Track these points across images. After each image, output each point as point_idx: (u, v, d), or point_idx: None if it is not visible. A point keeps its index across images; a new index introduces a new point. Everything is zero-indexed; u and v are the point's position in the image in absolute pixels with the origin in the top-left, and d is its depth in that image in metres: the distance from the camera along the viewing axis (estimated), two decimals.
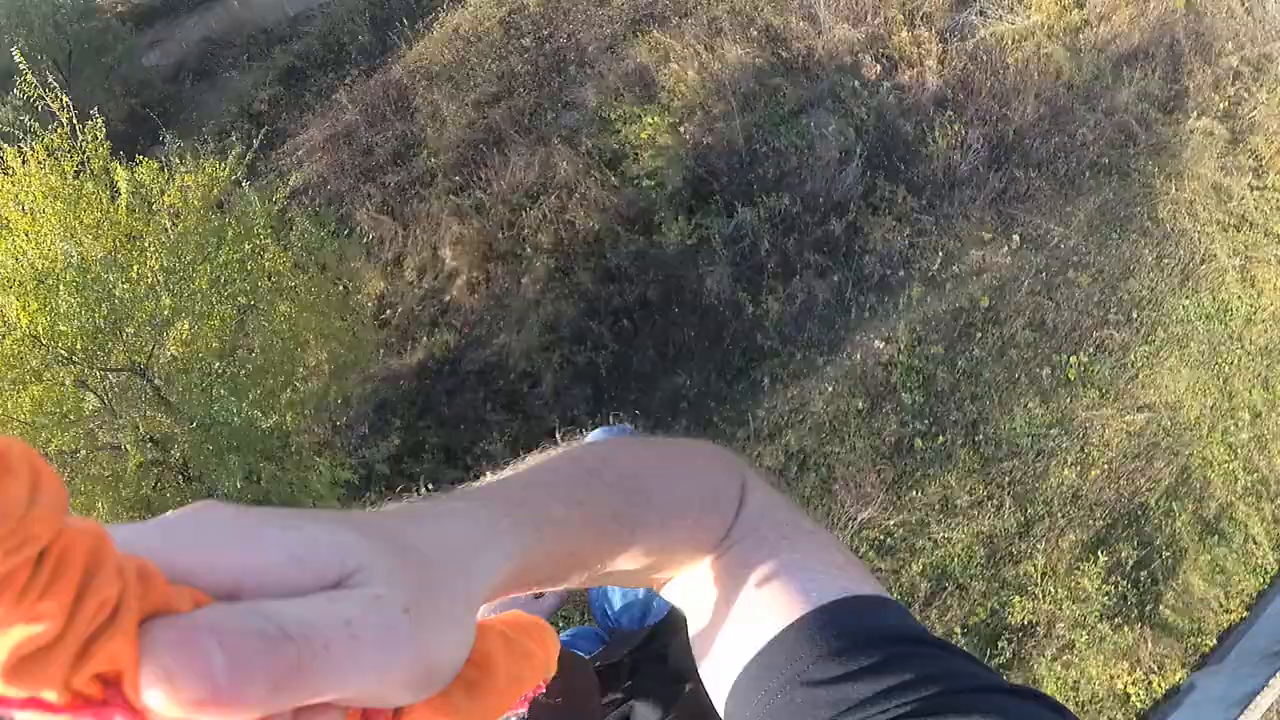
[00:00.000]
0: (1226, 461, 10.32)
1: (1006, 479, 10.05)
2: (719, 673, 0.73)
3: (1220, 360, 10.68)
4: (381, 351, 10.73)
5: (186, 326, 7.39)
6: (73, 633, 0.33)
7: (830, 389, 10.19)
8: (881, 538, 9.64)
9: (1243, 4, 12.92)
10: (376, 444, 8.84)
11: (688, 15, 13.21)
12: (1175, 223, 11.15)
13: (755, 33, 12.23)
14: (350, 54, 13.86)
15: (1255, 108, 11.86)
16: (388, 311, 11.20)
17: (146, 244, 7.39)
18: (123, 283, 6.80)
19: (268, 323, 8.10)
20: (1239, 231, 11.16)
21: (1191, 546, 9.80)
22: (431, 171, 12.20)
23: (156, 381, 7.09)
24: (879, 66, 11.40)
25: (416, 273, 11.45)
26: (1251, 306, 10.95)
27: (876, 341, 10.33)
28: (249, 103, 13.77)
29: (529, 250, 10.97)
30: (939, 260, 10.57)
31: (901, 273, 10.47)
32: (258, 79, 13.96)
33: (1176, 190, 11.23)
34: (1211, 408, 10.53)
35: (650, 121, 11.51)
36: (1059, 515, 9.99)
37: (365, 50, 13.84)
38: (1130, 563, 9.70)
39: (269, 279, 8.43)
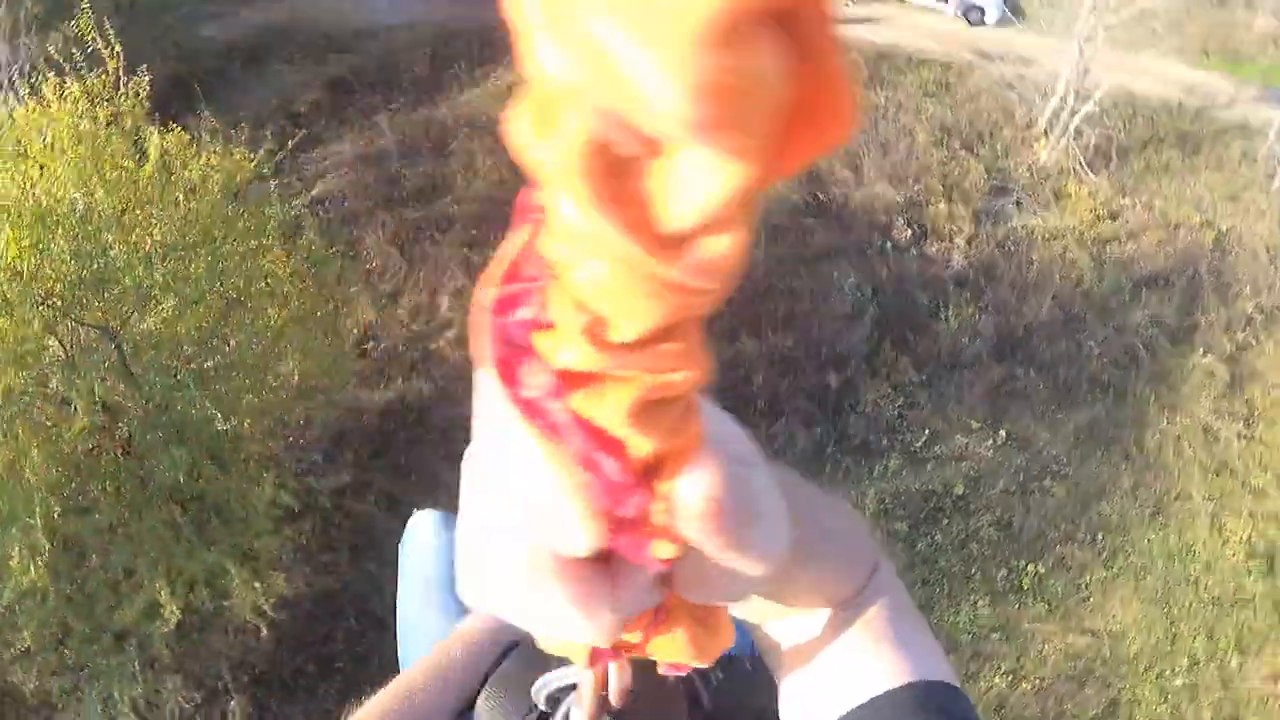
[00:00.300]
0: (1156, 704, 10.16)
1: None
2: (812, 714, 0.77)
3: (1172, 601, 10.60)
4: (354, 381, 10.49)
5: (171, 305, 7.17)
6: (687, 404, 0.39)
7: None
8: None
9: (1268, 251, 13.17)
10: (325, 474, 8.57)
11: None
12: (1159, 455, 11.17)
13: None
14: (402, 82, 13.88)
15: (1259, 356, 12.01)
16: (370, 343, 10.99)
17: (156, 212, 7.22)
18: (121, 245, 6.61)
19: (252, 322, 7.89)
20: (1219, 477, 11.19)
21: None
22: (451, 218, 12.13)
23: (125, 349, 6.82)
24: (909, 231, 11.49)
25: (410, 313, 11.28)
26: (1214, 554, 10.91)
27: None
28: (291, 100, 13.71)
29: None
30: (924, 438, 10.51)
31: (885, 441, 10.40)
32: (306, 79, 13.92)
33: (1168, 423, 11.29)
34: (1153, 646, 10.41)
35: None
36: None
37: (418, 82, 13.87)
38: None
39: (265, 281, 8.25)
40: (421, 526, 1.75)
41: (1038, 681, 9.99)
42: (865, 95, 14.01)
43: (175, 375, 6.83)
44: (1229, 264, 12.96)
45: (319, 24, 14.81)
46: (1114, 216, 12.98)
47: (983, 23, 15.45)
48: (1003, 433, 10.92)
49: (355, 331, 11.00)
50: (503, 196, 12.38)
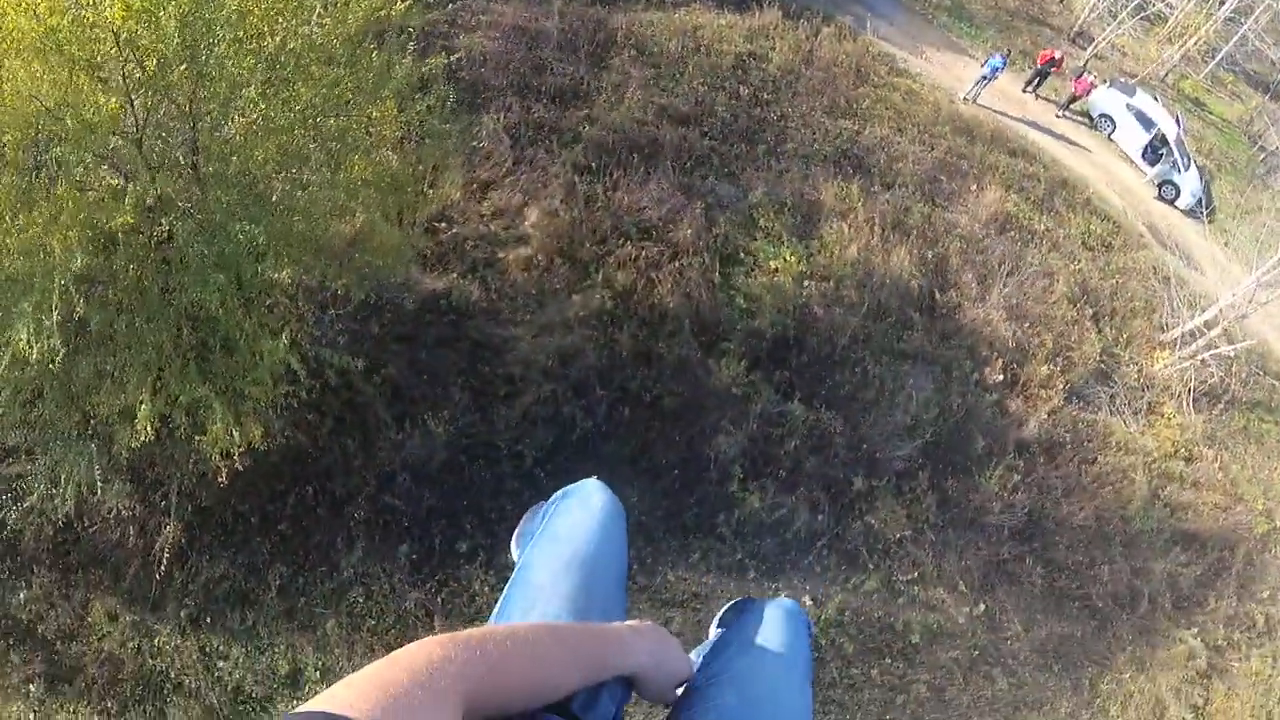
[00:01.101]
0: None
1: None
2: None
3: None
4: (410, 258, 9.97)
5: (260, 119, 6.53)
6: None
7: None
8: None
9: None
10: (342, 350, 8.09)
11: (890, 187, 12.60)
12: (1106, 701, 10.89)
13: (931, 255, 11.65)
14: None
15: (1241, 661, 11.63)
16: (443, 224, 10.41)
17: (281, 22, 6.51)
18: (231, 41, 5.95)
19: (334, 170, 7.27)
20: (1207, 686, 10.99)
21: None
22: (576, 134, 11.44)
23: (200, 147, 6.23)
24: (1001, 378, 10.89)
25: (494, 212, 10.69)
26: None
27: (806, 597, 9.87)
28: None
29: (599, 276, 10.28)
30: (909, 574, 10.14)
31: (874, 559, 10.03)
32: None
33: (1129, 678, 10.97)
34: None
35: (787, 258, 10.87)
36: None
37: None
38: None
39: (367, 131, 7.60)
40: (598, 499, 1.69)
41: None
42: (1031, 216, 13.23)
43: (242, 197, 6.25)
44: (1264, 560, 12.48)
45: None
46: (1189, 460, 12.41)
47: (1173, 204, 14.56)
48: (981, 607, 10.57)
49: (434, 206, 10.42)
50: (636, 138, 11.66)
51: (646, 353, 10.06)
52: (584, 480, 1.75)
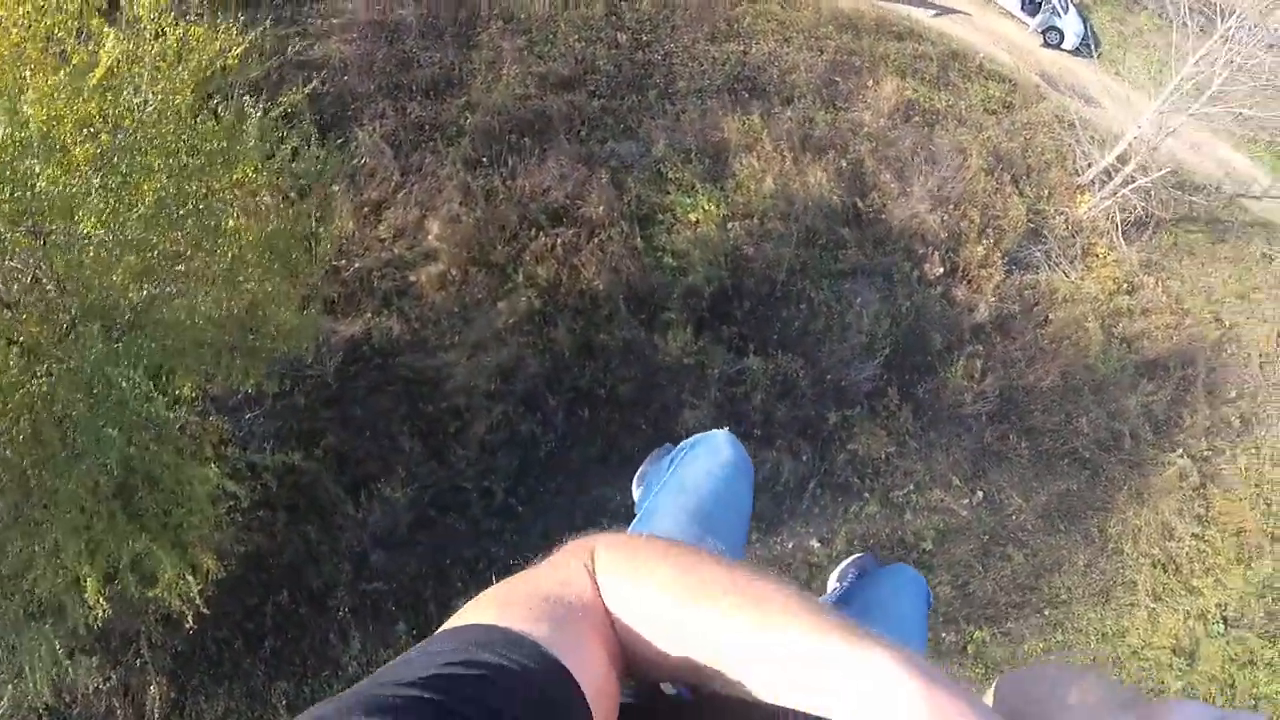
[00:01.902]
0: None
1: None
2: None
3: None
4: (318, 306, 9.10)
5: (105, 235, 5.60)
6: None
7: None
8: None
9: (1260, 358, 12.82)
10: (269, 433, 7.32)
11: (789, 103, 11.93)
12: (1118, 542, 10.90)
13: (845, 164, 11.11)
14: None
15: (1229, 463, 11.77)
16: (343, 262, 9.51)
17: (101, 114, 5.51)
18: (51, 168, 5.03)
19: (206, 264, 6.37)
20: (1165, 572, 11.04)
21: None
22: (460, 127, 10.47)
23: (55, 269, 5.31)
24: (941, 269, 10.52)
25: (393, 232, 9.77)
26: (1143, 642, 10.85)
27: (813, 540, 9.57)
28: None
29: (520, 276, 9.50)
30: (904, 486, 9.90)
31: (867, 482, 9.72)
32: None
33: (1133, 513, 10.97)
34: None
35: (705, 205, 10.23)
36: None
37: None
38: None
39: (232, 205, 6.66)
40: (726, 451, 1.70)
41: None
42: (931, 97, 12.74)
43: (108, 328, 5.38)
44: (1224, 363, 12.53)
45: None
46: (1132, 291, 12.30)
47: (1059, 47, 14.17)
48: (980, 494, 10.40)
49: (327, 247, 9.49)
50: (522, 115, 10.77)
51: (588, 344, 9.40)
52: (713, 430, 1.79)
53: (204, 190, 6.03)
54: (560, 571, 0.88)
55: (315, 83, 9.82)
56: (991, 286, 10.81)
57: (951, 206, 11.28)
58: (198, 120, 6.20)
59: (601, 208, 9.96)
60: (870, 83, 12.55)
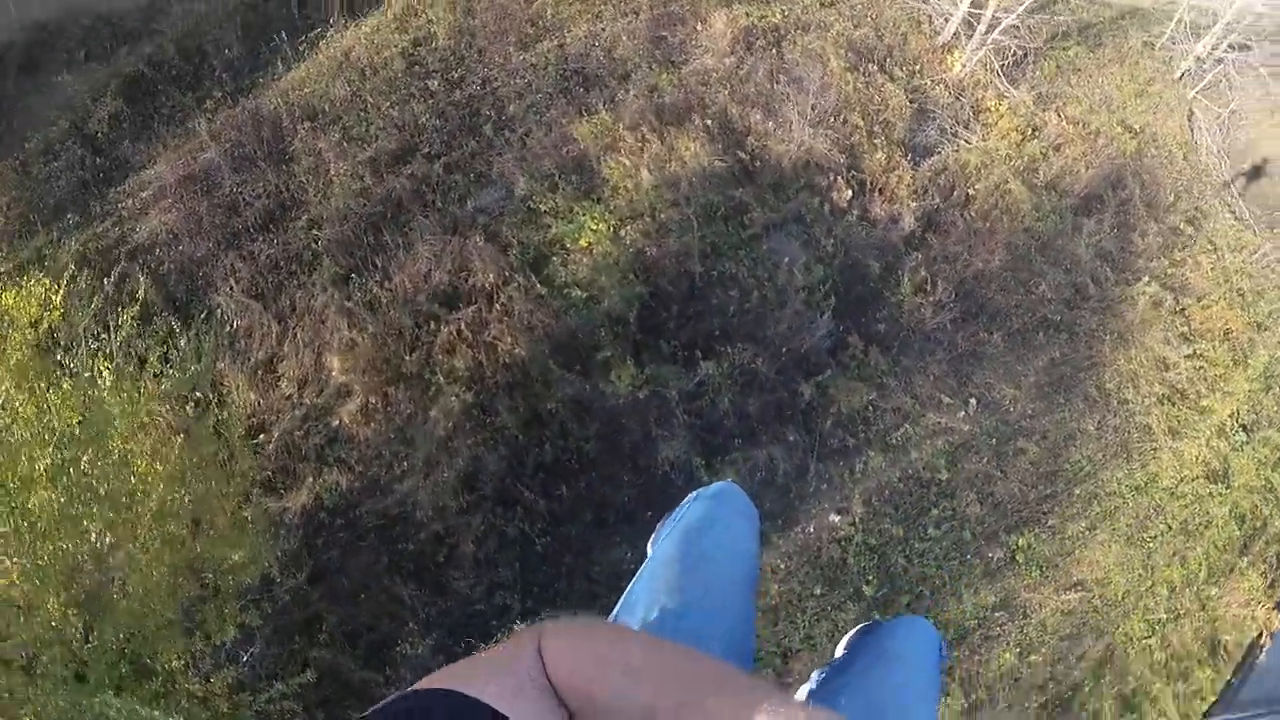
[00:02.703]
0: (1145, 638, 11.25)
1: (951, 665, 10.48)
2: None
3: (1145, 535, 11.60)
4: (256, 491, 9.48)
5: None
6: None
7: (783, 567, 10.11)
8: None
9: (1182, 149, 14.00)
10: (272, 662, 7.73)
11: (626, 79, 12.52)
12: (1118, 392, 11.92)
13: (710, 122, 11.77)
14: (214, 68, 12.01)
15: (1194, 271, 12.89)
16: (261, 436, 9.88)
17: None
18: None
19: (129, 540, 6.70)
20: (1173, 405, 12.13)
21: None
22: (314, 249, 10.82)
23: None
24: (849, 192, 11.32)
25: (296, 384, 10.15)
26: (1175, 479, 11.96)
27: (832, 514, 10.35)
28: (83, 118, 11.62)
29: (440, 377, 9.98)
30: (898, 424, 10.73)
31: (860, 437, 10.51)
32: (96, 87, 11.80)
33: (1123, 360, 12.00)
34: (1135, 582, 11.42)
35: (591, 225, 10.81)
36: (1000, 700, 10.57)
37: (232, 66, 12.04)
38: None
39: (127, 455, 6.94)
40: (729, 500, 1.84)
41: (1045, 652, 10.83)
42: (765, 14, 13.45)
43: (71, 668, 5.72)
44: (1150, 169, 13.57)
45: (97, 8, 12.49)
46: (1036, 131, 13.27)
47: None
48: (973, 401, 11.29)
49: (238, 425, 9.84)
50: (369, 210, 11.16)
51: (536, 416, 9.92)
52: (719, 483, 1.92)
53: (93, 458, 6.35)
54: (507, 647, 1.12)
55: (146, 281, 10.19)
56: (905, 188, 11.63)
57: (832, 120, 12.03)
58: (49, 393, 6.44)
59: (490, 272, 10.46)
60: (698, 25, 13.17)
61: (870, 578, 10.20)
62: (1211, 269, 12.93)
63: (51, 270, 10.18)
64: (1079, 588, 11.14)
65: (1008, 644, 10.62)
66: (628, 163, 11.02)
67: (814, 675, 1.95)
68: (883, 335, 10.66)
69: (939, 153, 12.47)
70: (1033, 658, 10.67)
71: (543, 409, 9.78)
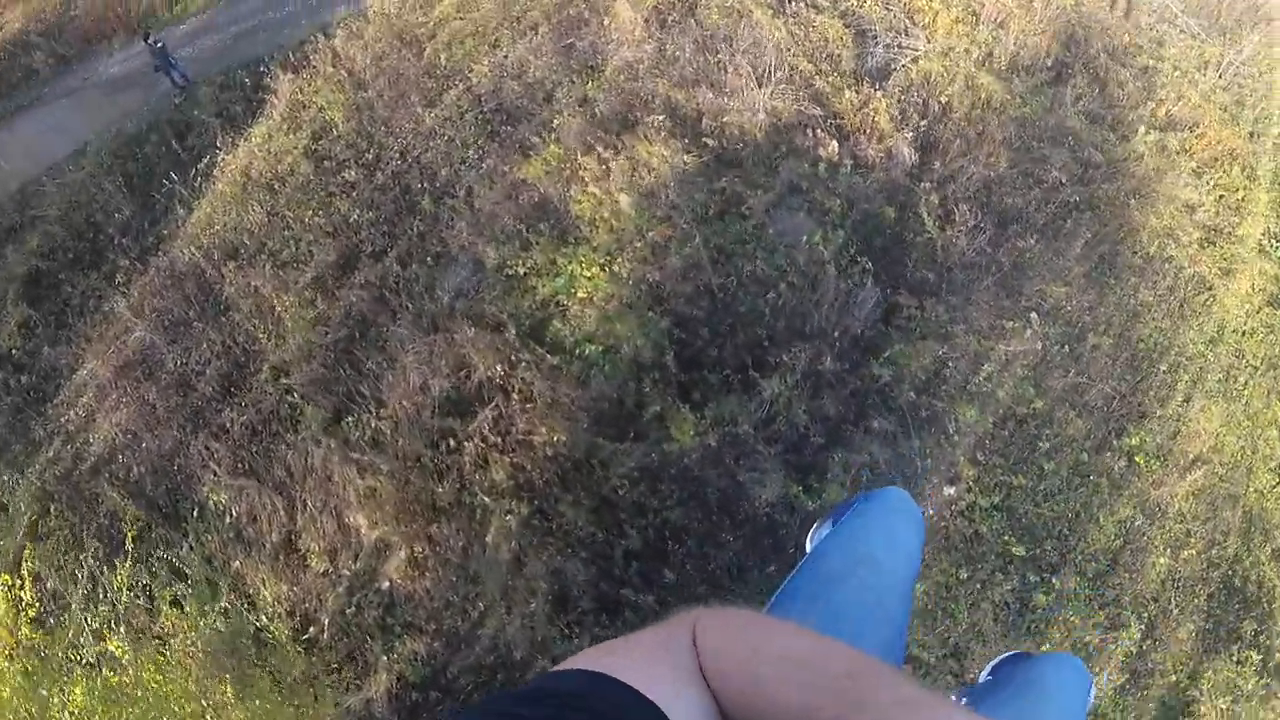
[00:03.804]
0: (1275, 487, 9.81)
1: (1116, 592, 8.88)
2: None
3: (1236, 386, 10.05)
4: (329, 692, 7.43)
5: None
6: None
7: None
8: None
9: None
10: None
11: (550, 100, 10.42)
12: (1161, 253, 10.29)
13: (660, 118, 9.76)
14: (111, 237, 9.68)
15: (1177, 105, 11.31)
16: (311, 629, 7.77)
17: None
18: None
19: None
20: (1213, 245, 10.55)
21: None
22: (289, 401, 8.64)
23: None
24: (834, 142, 9.42)
25: (326, 557, 8.03)
26: (1242, 317, 10.44)
27: (945, 488, 8.59)
28: None
29: (482, 497, 7.92)
30: (974, 369, 8.98)
31: (944, 397, 8.72)
32: None
33: (1154, 219, 10.33)
34: (1245, 436, 9.89)
35: (581, 272, 8.79)
36: (1171, 607, 9.00)
37: (130, 228, 9.72)
38: (1250, 633, 8.95)
39: None
40: (896, 505, 1.70)
41: (1195, 547, 9.28)
42: None
43: None
44: (1094, 16, 11.80)
45: None
46: (976, 16, 11.50)
47: None
48: (1033, 315, 9.52)
49: (282, 621, 7.75)
50: (333, 336, 9.00)
51: (605, 503, 7.92)
52: (886, 486, 1.83)
53: None
54: (661, 631, 0.98)
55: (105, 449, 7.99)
56: (885, 119, 9.75)
57: (778, 73, 10.10)
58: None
59: (491, 362, 8.41)
60: (603, 20, 11.14)
61: (1008, 538, 8.50)
62: (1193, 96, 11.33)
63: (14, 526, 7.97)
64: (1199, 464, 9.57)
65: (1157, 549, 9.04)
66: (596, 191, 9.00)
67: (961, 696, 1.84)
68: (930, 283, 8.88)
69: (895, 70, 10.65)
70: (1185, 553, 9.10)
71: (609, 493, 7.84)
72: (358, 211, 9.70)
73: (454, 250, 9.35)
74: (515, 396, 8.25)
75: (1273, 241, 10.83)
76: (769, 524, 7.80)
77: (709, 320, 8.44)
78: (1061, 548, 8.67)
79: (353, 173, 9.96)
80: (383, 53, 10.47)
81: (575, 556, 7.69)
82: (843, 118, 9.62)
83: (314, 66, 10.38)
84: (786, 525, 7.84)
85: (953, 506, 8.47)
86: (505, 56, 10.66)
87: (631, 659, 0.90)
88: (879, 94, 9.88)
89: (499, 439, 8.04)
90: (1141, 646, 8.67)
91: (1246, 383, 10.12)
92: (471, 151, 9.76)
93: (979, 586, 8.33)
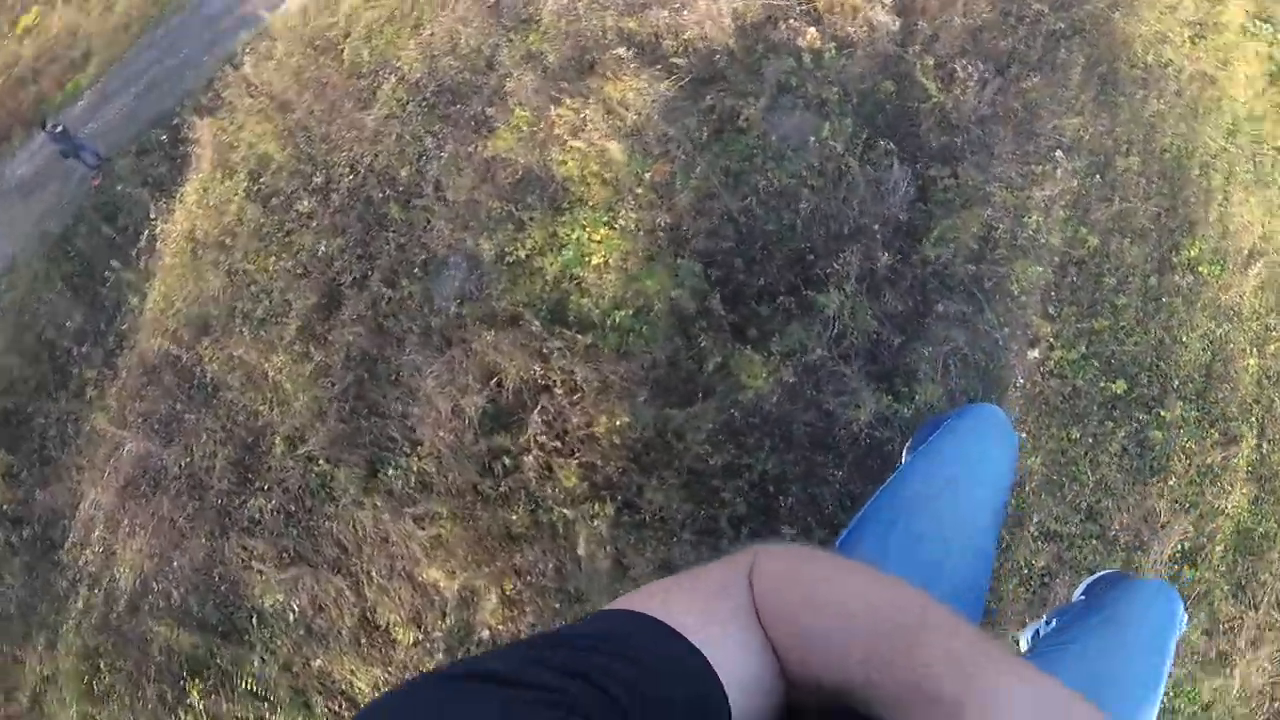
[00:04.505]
0: None
1: (1221, 408, 7.97)
2: None
3: (1264, 171, 9.14)
4: None
5: None
6: None
7: (1024, 435, 7.40)
8: (1182, 544, 7.20)
9: None
10: None
11: (492, 67, 9.00)
12: (1159, 58, 9.24)
13: (618, 52, 8.39)
14: (68, 351, 8.15)
15: None
16: None
17: None
18: None
19: None
20: (1205, 38, 9.49)
21: None
22: (316, 469, 7.28)
23: None
24: (811, 28, 8.15)
25: (411, 625, 6.80)
26: (1249, 100, 9.48)
27: (1029, 352, 7.58)
28: None
29: (559, 509, 6.73)
30: (1020, 223, 7.92)
31: (1002, 260, 7.66)
32: None
33: (1142, 25, 9.24)
34: None
35: (589, 236, 7.50)
36: (1275, 403, 8.10)
37: (86, 334, 8.18)
38: None
39: None
40: (990, 425, 1.57)
41: (1275, 336, 8.40)
42: None
43: None
44: None
45: None
46: None
47: None
48: (1057, 152, 8.52)
49: None
50: (339, 387, 7.67)
51: (695, 476, 6.74)
52: (982, 404, 1.71)
53: None
54: (715, 571, 0.89)
55: (138, 582, 6.64)
56: None
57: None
58: None
59: (520, 361, 7.15)
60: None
61: (1105, 383, 7.50)
62: None
63: (66, 696, 6.64)
64: (1255, 257, 8.54)
65: (1245, 352, 8.07)
66: (579, 145, 7.66)
67: (1052, 617, 1.81)
68: (955, 147, 7.76)
69: None
70: (1270, 348, 8.13)
71: (693, 463, 6.68)
72: (324, 242, 8.27)
73: (441, 253, 8.00)
74: (559, 391, 7.01)
75: (1255, 22, 9.83)
76: (871, 444, 6.70)
77: (740, 250, 7.22)
78: (1158, 377, 7.69)
79: (305, 202, 8.50)
80: (299, 67, 8.92)
81: (680, 541, 6.54)
82: (811, 1, 8.33)
83: (230, 103, 8.85)
84: (888, 439, 6.75)
85: (1042, 368, 7.44)
86: (431, 34, 9.16)
87: (680, 599, 0.81)
88: None
89: (557, 442, 6.82)
90: (1261, 451, 7.76)
91: (1273, 164, 9.17)
92: (428, 142, 8.33)
93: (1092, 441, 7.32)
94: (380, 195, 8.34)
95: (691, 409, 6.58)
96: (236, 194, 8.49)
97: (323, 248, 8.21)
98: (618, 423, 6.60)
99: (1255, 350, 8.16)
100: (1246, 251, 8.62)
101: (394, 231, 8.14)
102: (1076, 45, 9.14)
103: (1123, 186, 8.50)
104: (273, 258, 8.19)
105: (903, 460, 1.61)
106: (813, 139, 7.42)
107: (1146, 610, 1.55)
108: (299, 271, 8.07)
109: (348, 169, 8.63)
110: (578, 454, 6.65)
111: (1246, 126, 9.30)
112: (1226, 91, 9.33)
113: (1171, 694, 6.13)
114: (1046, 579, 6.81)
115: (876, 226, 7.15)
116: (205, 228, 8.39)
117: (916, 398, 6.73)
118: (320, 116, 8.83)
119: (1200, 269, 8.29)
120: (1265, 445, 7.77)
